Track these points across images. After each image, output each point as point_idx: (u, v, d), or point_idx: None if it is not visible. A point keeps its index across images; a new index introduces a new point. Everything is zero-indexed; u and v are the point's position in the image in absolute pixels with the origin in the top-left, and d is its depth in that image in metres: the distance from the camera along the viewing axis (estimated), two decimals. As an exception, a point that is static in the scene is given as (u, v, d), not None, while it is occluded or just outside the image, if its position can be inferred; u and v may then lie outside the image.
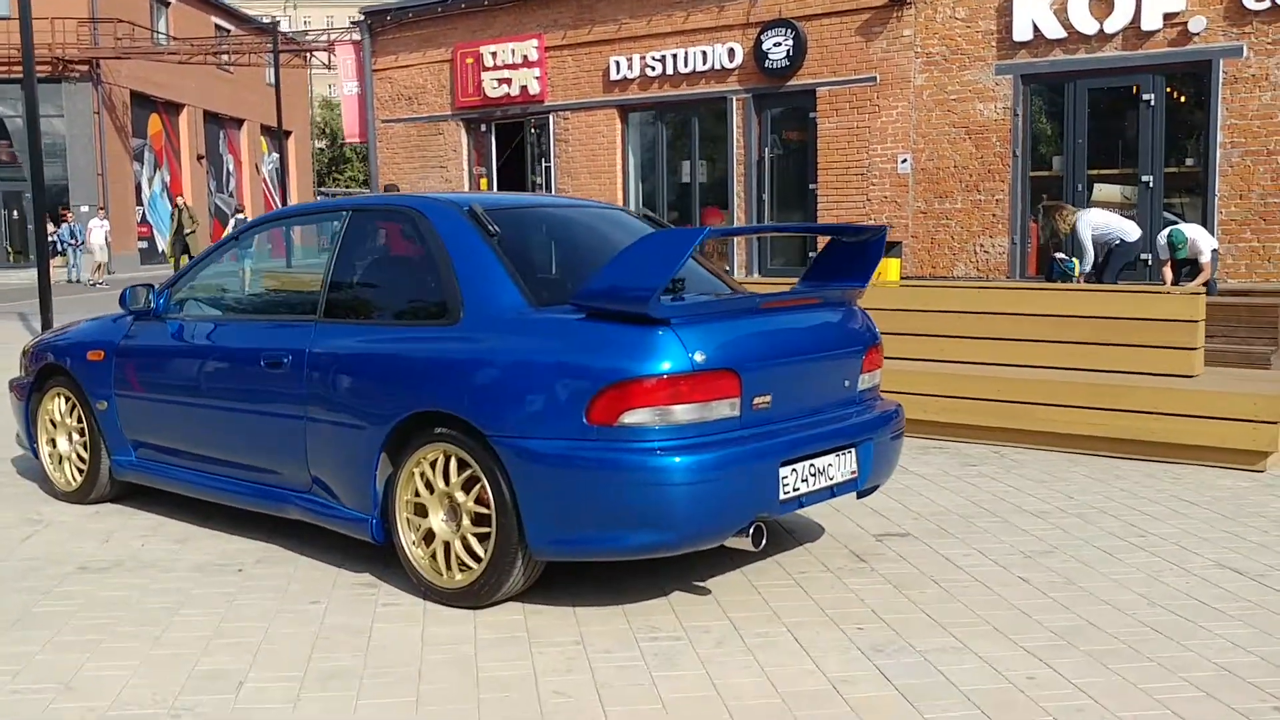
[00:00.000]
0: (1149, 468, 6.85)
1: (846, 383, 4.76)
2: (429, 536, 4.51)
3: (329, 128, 65.53)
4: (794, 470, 4.33)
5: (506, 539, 4.22)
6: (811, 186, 15.97)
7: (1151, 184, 13.61)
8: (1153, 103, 13.53)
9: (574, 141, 18.31)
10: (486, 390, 4.24)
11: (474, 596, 4.35)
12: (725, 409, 4.15)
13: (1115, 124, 14.22)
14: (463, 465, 4.37)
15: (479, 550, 4.35)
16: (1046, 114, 14.56)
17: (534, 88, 18.52)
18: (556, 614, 4.37)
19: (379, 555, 5.01)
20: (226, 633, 4.22)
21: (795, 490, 4.35)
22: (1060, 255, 13.82)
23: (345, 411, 4.69)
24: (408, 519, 4.56)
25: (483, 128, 19.68)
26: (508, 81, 18.77)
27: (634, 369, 3.99)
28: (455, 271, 4.52)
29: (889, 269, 13.76)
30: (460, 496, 4.38)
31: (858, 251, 4.96)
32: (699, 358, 4.05)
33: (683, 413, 4.04)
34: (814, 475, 4.44)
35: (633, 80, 17.55)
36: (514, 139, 19.41)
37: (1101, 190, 14.08)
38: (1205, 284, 10.90)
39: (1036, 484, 6.47)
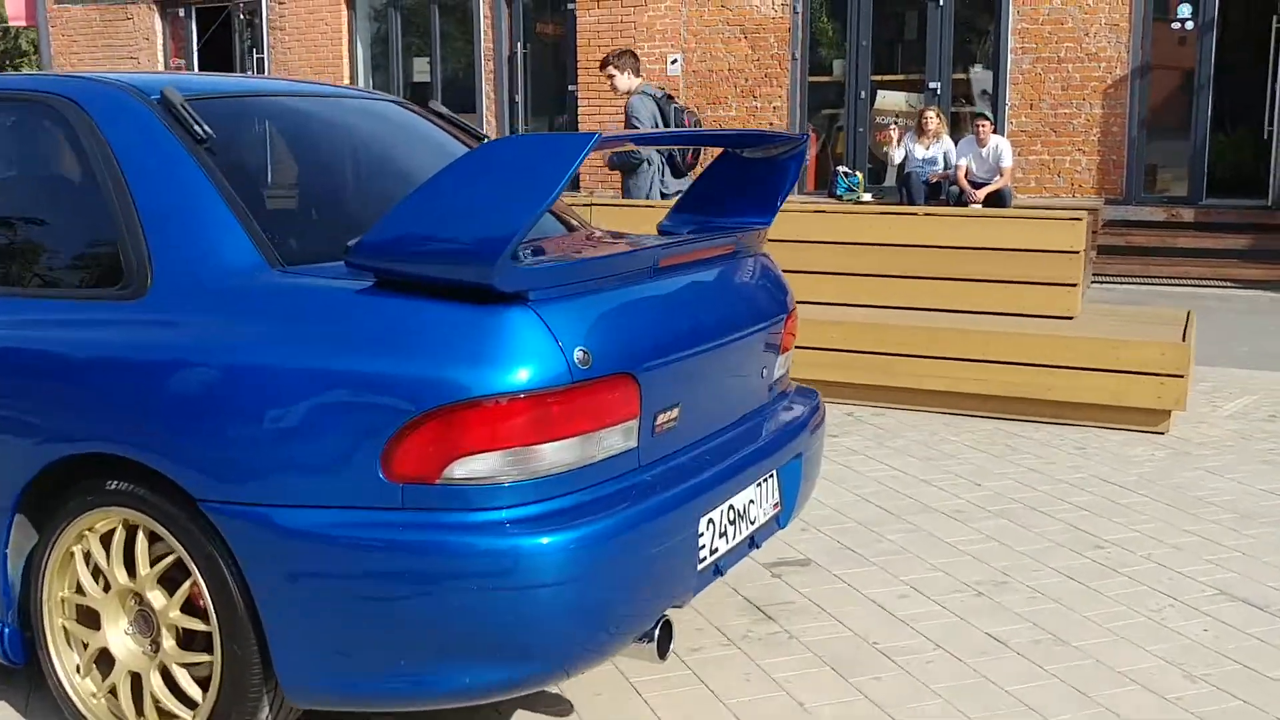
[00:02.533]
0: (1038, 433, 5.66)
1: (764, 371, 3.18)
2: (105, 661, 2.67)
3: (-2, 15, 58.09)
4: (711, 522, 2.74)
5: (239, 674, 2.44)
6: (571, 88, 14.20)
7: (939, 91, 12.60)
8: (942, 3, 12.47)
9: (291, 30, 15.80)
10: (195, 418, 2.41)
11: (188, 766, 2.56)
12: (619, 439, 2.50)
13: (902, 25, 13.13)
14: (158, 543, 2.56)
15: (192, 689, 2.55)
16: (828, 12, 13.29)
17: (240, -34, 15.87)
18: (333, 781, 2.64)
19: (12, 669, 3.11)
20: None
21: (714, 552, 2.77)
22: (843, 169, 12.75)
23: (-54, 444, 2.75)
24: (65, 629, 2.70)
25: (181, 12, 16.79)
26: (208, -42, 16.01)
27: (472, 382, 2.27)
28: (136, 205, 2.63)
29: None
30: (157, 599, 2.56)
31: (762, 171, 3.35)
32: (581, 358, 2.36)
33: (555, 454, 2.35)
34: (733, 524, 2.86)
35: (360, -40, 15.22)
36: (218, 26, 16.67)
37: (885, 98, 13.00)
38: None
39: (924, 464, 5.14)
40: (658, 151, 7.67)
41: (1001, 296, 6.32)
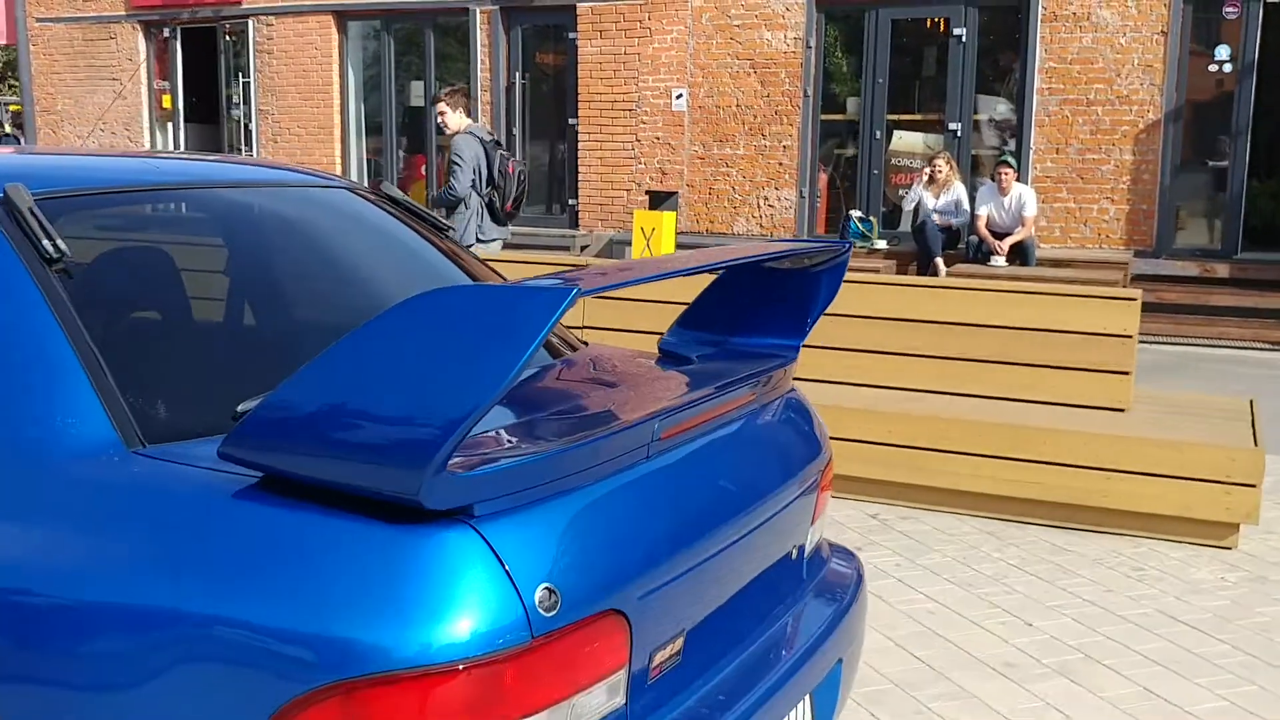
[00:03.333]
0: (1089, 547, 4.95)
1: (795, 550, 2.48)
2: None
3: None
4: (723, 787, 2.03)
5: None
6: (571, 121, 13.55)
7: (960, 133, 11.94)
8: (964, 39, 11.82)
9: (280, 54, 15.17)
10: None
11: None
12: (601, 699, 1.79)
13: (921, 63, 12.48)
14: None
15: None
16: (844, 48, 12.65)
17: (230, -14, 15.24)
18: None
19: None
20: None
21: (724, 826, 2.05)
22: (857, 213, 12.10)
23: None
24: None
25: (166, 32, 16.17)
26: (197, -24, 15.38)
27: (387, 646, 1.56)
28: (-47, 352, 1.94)
29: (664, 228, 11.66)
30: None
31: (792, 283, 2.66)
32: (545, 599, 1.66)
33: (508, 740, 1.65)
34: (753, 774, 2.15)
35: (353, -18, 14.60)
36: (205, 48, 16.03)
37: (902, 138, 12.34)
38: None
39: (965, 592, 4.43)
40: (476, 195, 7.54)
41: (1041, 383, 5.62)
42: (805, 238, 3.28)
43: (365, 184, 4.31)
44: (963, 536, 5.07)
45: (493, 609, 1.60)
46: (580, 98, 13.34)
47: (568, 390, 2.41)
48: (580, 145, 13.41)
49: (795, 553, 2.47)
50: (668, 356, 2.69)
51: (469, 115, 7.85)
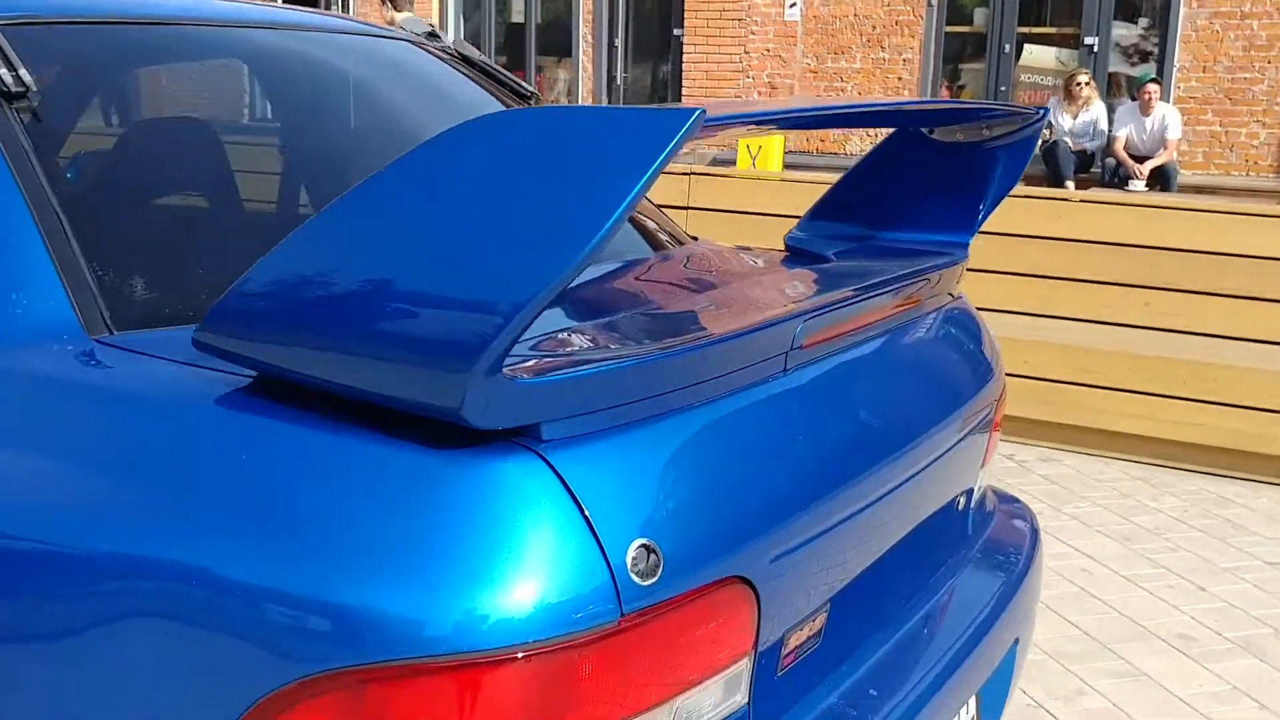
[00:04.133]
0: (1260, 499, 4.34)
1: (960, 500, 1.94)
2: None
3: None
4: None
5: None
6: (676, 33, 12.88)
7: (1096, 48, 11.03)
8: (1104, -55, 10.89)
9: (379, -37, 14.71)
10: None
11: None
12: (716, 697, 1.29)
13: (1056, -30, 11.58)
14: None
15: None
16: (972, -47, 11.79)
17: (328, -109, 14.78)
18: None
19: None
20: None
21: None
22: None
23: None
24: None
25: (265, -59, 15.79)
26: (295, -118, 14.92)
27: (416, 623, 1.07)
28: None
29: (770, 147, 10.99)
30: None
31: (962, 162, 2.10)
32: (639, 561, 1.15)
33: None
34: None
35: (453, -113, 14.03)
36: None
37: (1033, 53, 11.45)
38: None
39: (1124, 548, 3.85)
40: None
41: (1205, 313, 4.96)
42: (994, 103, 2.73)
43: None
44: (1112, 483, 4.48)
45: (567, 572, 1.11)
46: (686, 6, 12.63)
47: (676, 284, 1.88)
48: (685, 58, 12.73)
49: (960, 504, 1.93)
50: (797, 255, 2.14)
51: (400, 8, 7.28)
